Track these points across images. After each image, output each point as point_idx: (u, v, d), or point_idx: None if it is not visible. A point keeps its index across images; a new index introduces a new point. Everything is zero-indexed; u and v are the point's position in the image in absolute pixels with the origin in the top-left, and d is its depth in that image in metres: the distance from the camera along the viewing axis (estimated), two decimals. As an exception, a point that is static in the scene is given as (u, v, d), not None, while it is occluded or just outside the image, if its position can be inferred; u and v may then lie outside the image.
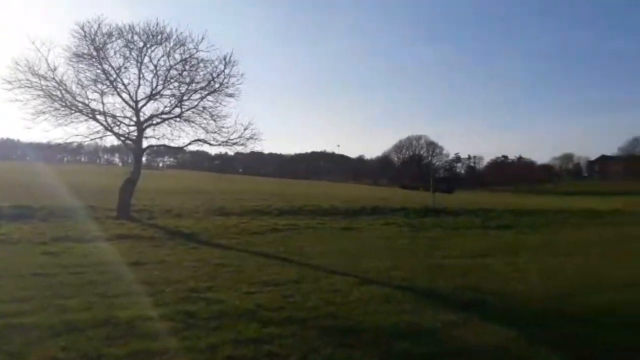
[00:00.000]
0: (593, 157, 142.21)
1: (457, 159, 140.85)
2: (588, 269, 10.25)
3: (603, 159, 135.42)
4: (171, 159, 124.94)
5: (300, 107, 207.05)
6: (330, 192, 42.97)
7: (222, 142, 18.38)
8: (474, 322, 6.05)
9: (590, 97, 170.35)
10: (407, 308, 6.58)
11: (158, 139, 18.68)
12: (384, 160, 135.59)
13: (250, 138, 18.19)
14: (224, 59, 17.81)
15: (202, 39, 17.66)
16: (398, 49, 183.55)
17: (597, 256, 12.23)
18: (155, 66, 17.60)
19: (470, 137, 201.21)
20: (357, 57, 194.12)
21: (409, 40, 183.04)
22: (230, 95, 18.00)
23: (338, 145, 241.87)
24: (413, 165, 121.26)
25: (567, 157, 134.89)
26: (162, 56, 17.57)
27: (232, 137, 18.17)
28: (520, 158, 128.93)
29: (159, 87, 17.82)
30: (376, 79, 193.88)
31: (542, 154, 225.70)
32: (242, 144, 18.38)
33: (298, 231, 15.64)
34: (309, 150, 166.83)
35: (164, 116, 18.22)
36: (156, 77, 17.69)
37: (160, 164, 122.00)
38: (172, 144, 18.93)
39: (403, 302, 6.92)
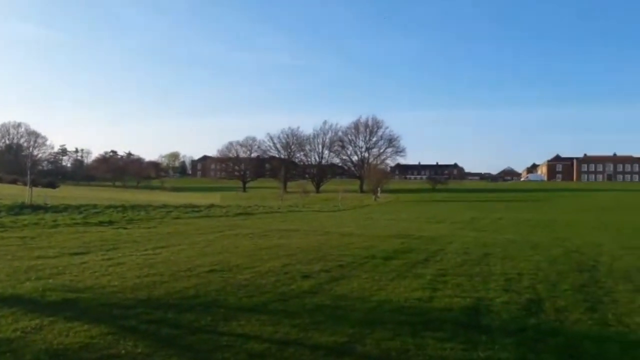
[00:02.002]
0: (196, 157, 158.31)
1: (64, 151, 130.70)
2: (178, 258, 11.33)
3: (204, 158, 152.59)
4: None
5: None
6: None
7: None
8: (61, 323, 5.84)
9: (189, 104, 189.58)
10: (-20, 321, 5.74)
11: None
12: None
13: None
14: None
15: None
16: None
17: (188, 246, 13.75)
18: None
19: (78, 129, 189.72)
20: None
21: None
22: None
23: None
24: (10, 156, 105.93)
25: (174, 156, 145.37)
26: None
27: None
28: (129, 154, 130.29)
29: None
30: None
31: (151, 151, 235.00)
32: None
33: None
34: None
35: None
36: None
37: None
38: None
39: (-26, 314, 5.99)
